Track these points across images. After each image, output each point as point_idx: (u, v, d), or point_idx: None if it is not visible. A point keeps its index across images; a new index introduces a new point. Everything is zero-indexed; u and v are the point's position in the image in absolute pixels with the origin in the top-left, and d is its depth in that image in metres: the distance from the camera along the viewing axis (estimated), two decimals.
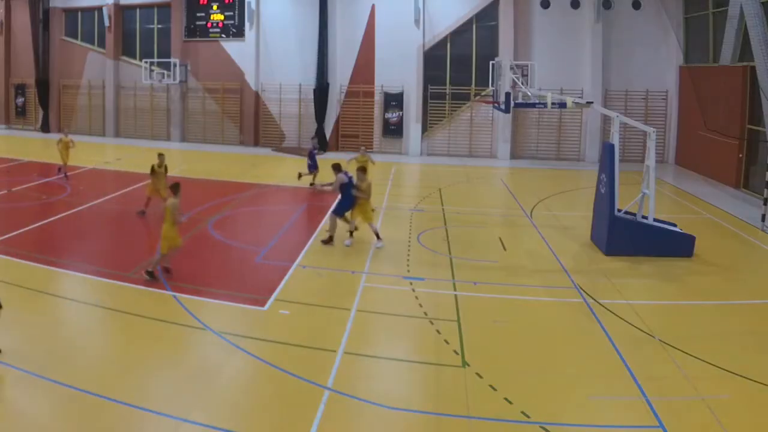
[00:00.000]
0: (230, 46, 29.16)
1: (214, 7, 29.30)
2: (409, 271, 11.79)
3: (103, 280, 10.81)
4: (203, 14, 29.49)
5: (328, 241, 13.24)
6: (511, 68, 15.99)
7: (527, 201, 18.15)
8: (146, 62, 29.08)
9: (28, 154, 24.72)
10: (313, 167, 19.38)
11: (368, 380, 7.80)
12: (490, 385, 7.54)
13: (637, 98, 25.57)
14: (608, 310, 10.01)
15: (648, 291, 11.17)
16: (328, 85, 27.69)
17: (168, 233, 10.68)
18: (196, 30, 29.65)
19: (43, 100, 31.69)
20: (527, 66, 20.84)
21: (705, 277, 11.96)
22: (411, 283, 11.06)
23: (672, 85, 25.20)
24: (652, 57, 25.23)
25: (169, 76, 28.90)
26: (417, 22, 26.63)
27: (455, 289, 10.87)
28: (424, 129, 27.41)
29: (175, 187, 10.94)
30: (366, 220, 13.37)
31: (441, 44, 27.02)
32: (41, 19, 31.15)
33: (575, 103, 15.36)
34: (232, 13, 29.09)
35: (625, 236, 12.93)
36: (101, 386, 7.22)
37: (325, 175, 16.81)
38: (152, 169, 15.14)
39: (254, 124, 29.08)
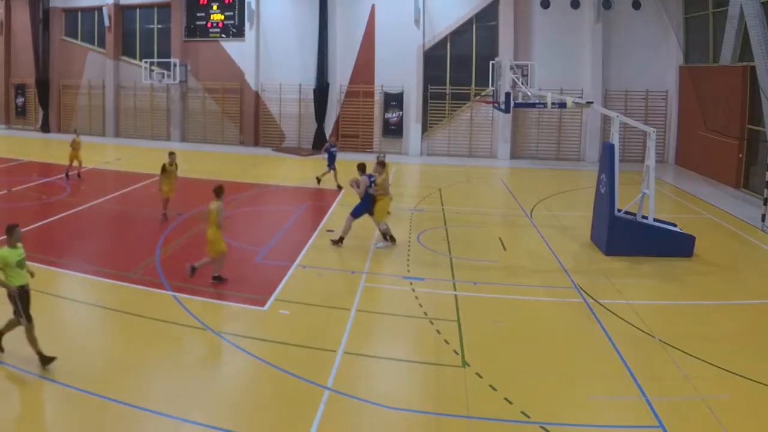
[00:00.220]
0: (230, 46, 29.16)
1: (214, 7, 29.30)
2: (409, 271, 11.79)
3: (103, 280, 10.82)
4: (203, 14, 29.50)
5: (338, 242, 13.15)
6: (511, 68, 16.00)
7: (527, 201, 18.15)
8: (146, 62, 29.08)
9: (28, 154, 24.74)
10: (331, 165, 19.31)
11: (368, 380, 7.80)
12: (490, 385, 7.54)
13: (637, 98, 25.57)
14: (608, 310, 10.01)
15: (648, 291, 11.17)
16: (328, 85, 27.69)
17: (214, 237, 10.66)
18: (196, 30, 29.65)
19: (43, 100, 31.69)
20: (527, 66, 20.86)
21: (705, 277, 11.97)
22: (411, 283, 11.06)
23: (672, 85, 25.20)
24: (652, 57, 25.23)
25: (169, 76, 28.90)
26: (417, 22, 26.64)
27: (455, 289, 10.87)
28: (424, 129, 27.42)
29: (219, 190, 10.91)
30: (379, 219, 13.25)
31: (441, 44, 27.02)
32: (41, 19, 31.14)
33: (575, 103, 15.36)
34: (232, 13, 29.09)
35: (625, 236, 12.93)
36: (101, 386, 7.23)
37: (346, 175, 16.80)
38: (163, 167, 15.04)
39: (254, 124, 29.08)
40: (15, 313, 7.62)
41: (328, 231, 14.48)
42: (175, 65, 28.87)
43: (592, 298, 10.51)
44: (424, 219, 15.68)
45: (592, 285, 11.22)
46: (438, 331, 9.09)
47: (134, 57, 30.55)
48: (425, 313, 9.77)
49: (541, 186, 20.71)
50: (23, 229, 13.79)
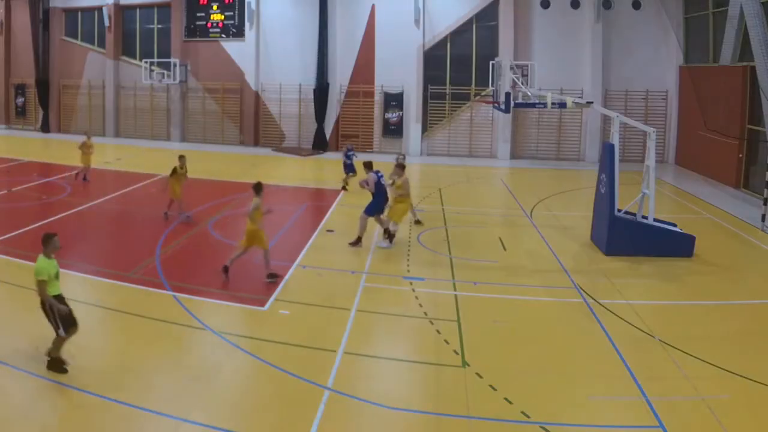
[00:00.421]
0: (230, 46, 29.16)
1: (214, 7, 29.30)
2: (409, 271, 11.79)
3: (103, 280, 10.81)
4: (203, 14, 29.49)
5: (356, 242, 13.13)
6: (511, 68, 16.00)
7: (527, 201, 18.15)
8: (146, 62, 29.08)
9: (28, 154, 24.74)
10: (349, 168, 18.98)
11: (368, 380, 7.80)
12: (490, 385, 7.54)
13: (637, 98, 25.57)
14: (608, 310, 10.01)
15: (648, 291, 11.17)
16: (328, 85, 27.69)
17: (255, 232, 10.83)
18: (196, 30, 29.65)
19: (43, 100, 31.69)
20: (527, 66, 20.86)
21: (705, 277, 11.97)
22: (411, 283, 11.06)
23: (672, 85, 25.20)
24: (652, 57, 25.23)
25: (169, 76, 28.90)
26: (417, 22, 26.63)
27: (455, 289, 10.87)
28: (424, 129, 27.42)
29: (258, 187, 11.11)
30: (393, 218, 13.20)
31: (441, 44, 27.02)
32: (41, 19, 31.14)
33: (575, 103, 15.36)
34: (232, 13, 29.09)
35: (625, 236, 12.92)
36: (101, 386, 7.23)
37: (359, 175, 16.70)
38: (174, 170, 15.00)
39: (254, 124, 29.08)
40: (51, 322, 7.48)
41: (328, 231, 14.50)
42: (175, 65, 28.87)
43: (592, 298, 10.51)
44: (424, 219, 15.66)
45: (592, 285, 11.22)
46: (438, 331, 9.09)
47: (134, 57, 30.55)
48: (425, 313, 9.77)
49: (541, 186, 20.71)
50: (23, 229, 13.83)
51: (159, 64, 29.00)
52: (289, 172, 23.47)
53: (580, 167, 24.74)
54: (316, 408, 6.97)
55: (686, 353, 8.43)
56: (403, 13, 26.69)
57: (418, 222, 14.87)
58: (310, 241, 13.57)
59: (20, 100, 32.70)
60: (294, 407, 7.06)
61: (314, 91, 27.69)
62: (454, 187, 20.31)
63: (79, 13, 31.71)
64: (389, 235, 13.28)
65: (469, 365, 8.07)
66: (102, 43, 30.98)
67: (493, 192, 20.54)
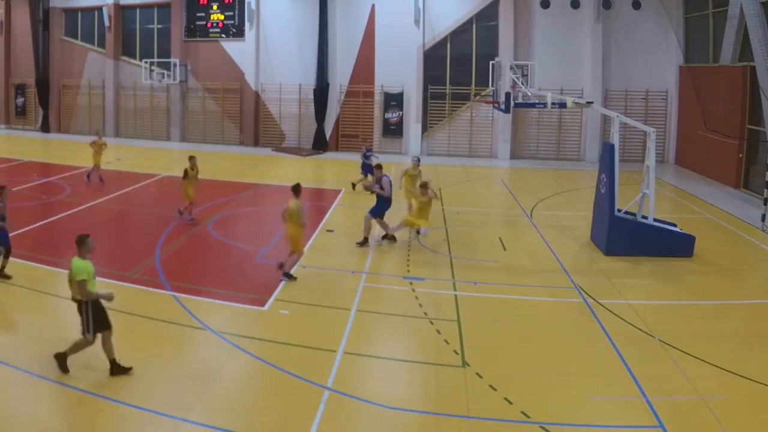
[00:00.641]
0: (230, 46, 29.16)
1: (214, 7, 29.31)
2: (409, 271, 11.79)
3: (103, 280, 10.74)
4: (203, 14, 29.50)
5: (363, 243, 13.14)
6: (511, 68, 15.97)
7: (527, 201, 18.15)
8: (146, 62, 29.07)
9: (28, 154, 24.73)
10: (367, 169, 18.43)
11: (368, 380, 7.81)
12: (490, 385, 7.54)
13: (637, 98, 25.56)
14: (608, 310, 10.01)
15: (648, 291, 11.17)
16: (328, 85, 27.69)
17: (296, 234, 10.93)
18: (196, 30, 29.65)
19: (43, 100, 31.69)
20: (527, 66, 20.80)
21: (705, 277, 11.97)
22: (411, 283, 11.06)
23: (672, 85, 25.20)
24: (652, 57, 25.22)
25: (169, 76, 28.90)
26: (417, 22, 26.64)
27: (455, 289, 10.88)
28: (424, 129, 27.42)
29: (297, 188, 11.14)
30: (412, 224, 13.14)
31: (441, 44, 27.02)
32: (41, 19, 31.14)
33: (575, 103, 15.35)
34: (232, 13, 29.09)
35: (625, 236, 12.93)
36: (101, 386, 7.23)
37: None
38: (185, 172, 14.85)
39: (254, 124, 29.08)
40: (83, 324, 7.48)
41: (328, 231, 14.50)
42: (175, 65, 28.87)
43: (592, 298, 10.51)
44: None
45: (592, 285, 11.22)
46: (438, 331, 9.09)
47: (134, 57, 30.55)
48: (425, 313, 9.77)
49: (541, 186, 20.71)
50: (23, 230, 13.83)
51: (159, 64, 29.00)
52: (289, 172, 23.45)
53: (580, 167, 24.74)
54: (316, 408, 6.97)
55: (686, 353, 8.44)
56: (403, 13, 26.69)
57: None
58: (310, 241, 13.57)
59: (20, 100, 32.70)
60: (294, 407, 7.06)
61: (314, 91, 27.69)
62: (454, 187, 20.31)
63: (79, 13, 31.72)
64: (388, 237, 13.29)
65: (469, 365, 8.07)
66: (102, 43, 30.98)
67: (493, 192, 20.54)
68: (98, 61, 31.11)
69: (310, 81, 27.82)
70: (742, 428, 6.75)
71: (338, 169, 24.14)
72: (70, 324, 9.35)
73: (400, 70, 26.93)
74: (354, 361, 8.19)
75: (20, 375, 7.45)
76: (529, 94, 15.99)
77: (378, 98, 27.57)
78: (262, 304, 9.96)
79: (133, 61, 30.52)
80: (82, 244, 7.64)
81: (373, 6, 27.30)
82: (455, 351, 8.46)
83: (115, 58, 30.70)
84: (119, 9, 30.55)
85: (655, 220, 13.16)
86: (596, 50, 25.33)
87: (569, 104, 14.75)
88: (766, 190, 15.20)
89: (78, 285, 7.40)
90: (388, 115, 27.43)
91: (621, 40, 25.33)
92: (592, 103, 15.99)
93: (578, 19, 25.52)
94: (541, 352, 8.62)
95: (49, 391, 7.18)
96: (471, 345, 8.64)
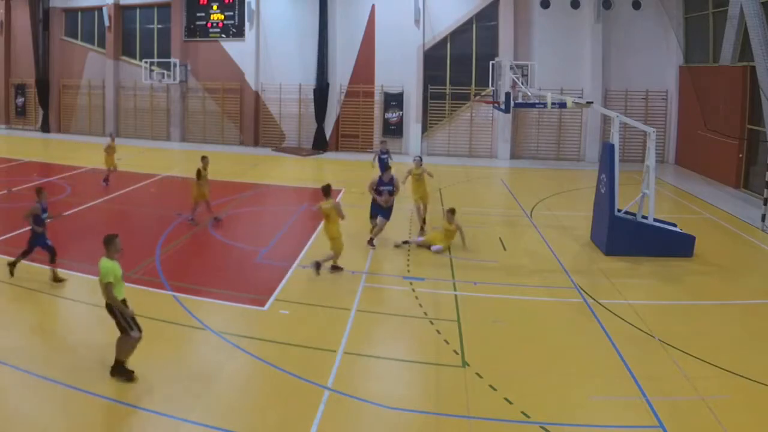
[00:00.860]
0: (230, 46, 29.16)
1: (214, 7, 29.31)
2: (409, 271, 11.79)
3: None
4: (203, 14, 29.50)
5: (371, 242, 13.17)
6: (511, 68, 15.98)
7: (527, 201, 18.15)
8: (146, 62, 29.08)
9: (28, 154, 24.73)
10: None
11: (368, 380, 7.81)
12: (490, 385, 7.54)
13: (637, 98, 25.56)
14: (608, 310, 10.01)
15: (648, 291, 11.17)
16: (328, 85, 27.69)
17: (336, 233, 11.19)
18: (196, 30, 29.65)
19: (43, 100, 31.69)
20: (527, 66, 20.82)
21: (705, 277, 11.97)
22: (411, 283, 11.06)
23: (672, 85, 25.20)
24: (652, 57, 25.22)
25: (169, 76, 28.90)
26: (417, 22, 26.63)
27: (455, 289, 10.88)
28: (424, 129, 27.41)
29: (327, 189, 11.36)
30: (433, 242, 13.19)
31: (441, 44, 27.02)
32: (41, 19, 31.15)
33: (575, 103, 15.35)
34: (232, 13, 29.09)
35: (625, 236, 12.92)
36: (102, 386, 7.23)
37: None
38: (198, 173, 14.68)
39: (254, 124, 29.08)
40: (119, 327, 7.45)
41: None
42: (175, 65, 28.87)
43: (592, 298, 10.51)
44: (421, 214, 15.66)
45: (592, 285, 11.23)
46: (438, 331, 9.09)
47: (134, 57, 30.55)
48: (425, 313, 9.77)
49: (541, 186, 20.71)
50: (23, 229, 13.83)
51: (159, 64, 29.00)
52: (289, 172, 23.48)
53: (580, 167, 24.74)
54: (316, 408, 6.97)
55: (686, 353, 8.44)
56: (403, 13, 26.69)
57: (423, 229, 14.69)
58: (310, 241, 13.57)
59: (20, 100, 32.70)
60: (294, 407, 7.06)
61: (314, 91, 27.69)
62: (454, 187, 20.31)
63: (79, 13, 31.72)
64: (372, 244, 13.20)
65: (469, 365, 8.07)
66: (102, 43, 30.98)
67: (493, 192, 20.54)
68: (98, 61, 31.11)
69: (310, 81, 27.82)
70: (742, 428, 6.75)
71: (338, 169, 24.15)
72: (70, 324, 9.38)
73: (400, 70, 26.92)
74: (354, 361, 8.19)
75: (20, 375, 7.45)
76: (529, 94, 15.99)
77: (378, 98, 27.57)
78: (262, 304, 9.96)
79: (133, 61, 30.52)
80: (110, 244, 7.57)
81: (373, 6, 27.30)
82: (455, 351, 8.46)
83: (115, 58, 30.71)
84: (119, 9, 30.55)
85: (655, 220, 13.16)
86: (596, 50, 25.32)
87: (569, 104, 14.75)
88: (766, 190, 15.20)
89: (105, 288, 7.37)
90: (388, 115, 27.43)
91: (621, 40, 25.33)
92: (592, 103, 15.99)
93: (578, 19, 25.52)
94: (541, 352, 8.62)
95: (49, 391, 7.17)
96: (471, 345, 8.65)
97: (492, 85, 19.70)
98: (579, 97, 23.69)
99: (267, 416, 6.92)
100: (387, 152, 18.63)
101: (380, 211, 13.15)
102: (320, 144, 27.91)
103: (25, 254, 10.76)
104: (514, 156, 26.56)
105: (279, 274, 11.33)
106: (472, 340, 8.80)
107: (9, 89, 32.88)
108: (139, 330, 7.48)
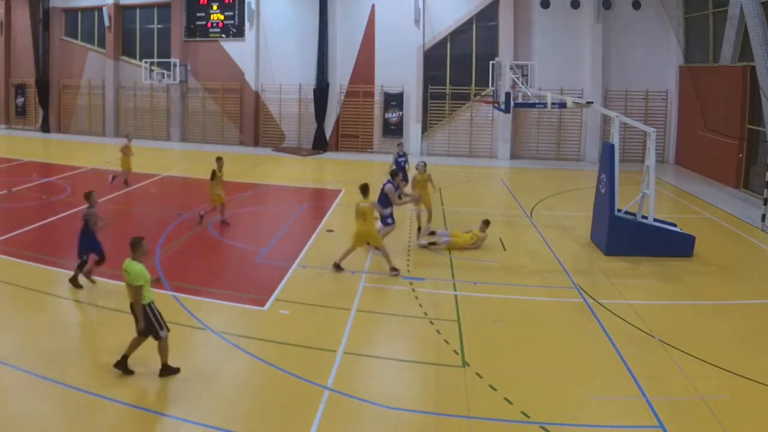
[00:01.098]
0: (230, 46, 29.16)
1: (214, 7, 29.30)
2: (409, 271, 11.79)
3: (103, 280, 10.78)
4: (203, 14, 29.49)
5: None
6: (511, 68, 15.98)
7: (527, 201, 18.15)
8: (146, 62, 29.08)
9: (28, 154, 24.73)
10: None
11: (368, 380, 7.81)
12: (490, 385, 7.54)
13: (637, 98, 25.56)
14: (608, 310, 10.01)
15: (648, 291, 11.17)
16: (328, 85, 27.69)
17: (366, 232, 11.37)
18: (196, 30, 29.65)
19: (43, 100, 31.69)
20: (527, 66, 20.82)
21: (705, 277, 11.97)
22: (411, 283, 11.07)
23: (672, 85, 25.20)
24: (652, 57, 25.22)
25: (169, 76, 28.90)
26: (417, 22, 26.63)
27: (455, 289, 10.88)
28: (424, 129, 27.41)
29: (366, 188, 11.48)
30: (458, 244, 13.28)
31: (441, 44, 27.01)
32: (41, 19, 31.14)
33: (575, 103, 15.35)
34: (232, 13, 29.09)
35: (625, 236, 12.92)
36: (101, 386, 7.23)
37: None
38: (213, 174, 14.44)
39: (254, 124, 29.08)
40: (140, 330, 7.50)
41: (328, 231, 14.50)
42: (175, 65, 28.87)
43: (592, 298, 10.51)
44: (424, 219, 15.65)
45: (592, 285, 11.23)
46: (438, 331, 9.09)
47: (134, 57, 30.55)
48: (425, 313, 9.77)
49: (541, 186, 20.71)
50: (22, 230, 13.82)
51: (159, 64, 29.00)
52: (289, 172, 23.48)
53: (580, 167, 24.74)
54: (316, 408, 6.97)
55: (686, 353, 8.44)
56: (403, 13, 26.69)
57: (432, 233, 14.53)
58: (310, 241, 13.57)
59: (20, 100, 32.70)
60: (294, 407, 7.06)
61: (314, 91, 27.68)
62: (454, 187, 20.30)
63: (79, 13, 31.71)
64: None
65: (469, 365, 8.07)
66: (102, 43, 30.98)
67: (493, 192, 20.54)
68: (98, 61, 31.11)
69: (310, 81, 27.82)
70: (742, 428, 6.75)
71: (338, 169, 24.17)
72: (70, 324, 9.38)
73: (400, 70, 26.92)
74: (354, 361, 8.19)
75: (21, 375, 7.45)
76: (529, 94, 15.99)
77: (378, 98, 27.57)
78: (262, 304, 9.96)
79: (133, 61, 30.52)
80: (137, 246, 7.61)
81: (373, 6, 27.30)
82: (455, 351, 8.46)
83: (115, 58, 30.70)
84: (119, 9, 30.54)
85: (655, 220, 13.16)
86: (596, 50, 25.32)
87: (569, 104, 14.75)
88: (766, 190, 15.20)
89: (134, 290, 7.39)
90: (388, 115, 27.43)
91: (621, 40, 25.33)
92: (592, 103, 15.99)
93: (578, 19, 25.52)
94: (541, 352, 8.62)
95: (50, 391, 7.17)
96: (471, 345, 8.64)
97: (492, 85, 19.70)
98: (579, 97, 23.69)
99: (267, 416, 6.92)
100: (404, 155, 17.87)
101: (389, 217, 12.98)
102: (320, 144, 27.91)
103: (99, 262, 10.41)
104: (514, 156, 26.56)
105: (279, 274, 11.33)
106: (472, 340, 8.80)
107: (9, 89, 32.87)
108: (167, 329, 7.61)
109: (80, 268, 10.32)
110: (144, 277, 7.42)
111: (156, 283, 8.00)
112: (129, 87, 30.73)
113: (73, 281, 10.28)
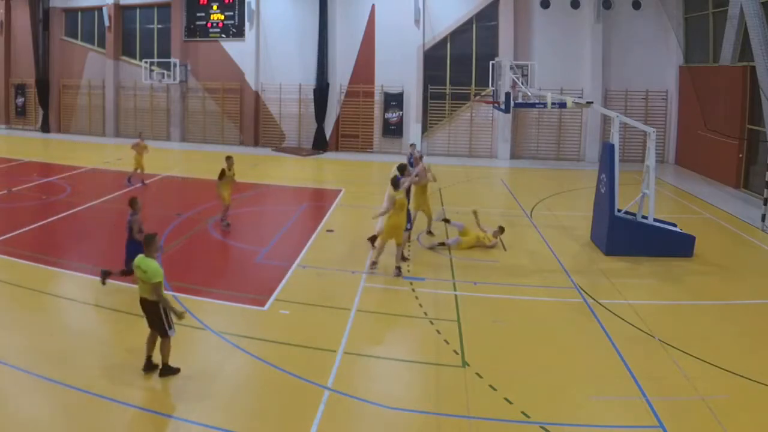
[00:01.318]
0: (230, 46, 29.16)
1: (214, 7, 29.31)
2: (409, 271, 11.79)
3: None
4: (203, 14, 29.50)
5: (374, 239, 13.04)
6: (511, 68, 15.96)
7: (527, 201, 18.15)
8: (146, 62, 29.08)
9: (28, 154, 24.73)
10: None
11: (368, 380, 7.80)
12: (490, 385, 7.54)
13: (637, 98, 25.56)
14: (608, 310, 10.01)
15: (648, 291, 11.17)
16: (328, 85, 27.69)
17: (396, 225, 11.35)
18: (196, 30, 29.65)
19: (43, 100, 31.70)
20: (527, 66, 20.82)
21: (705, 277, 11.97)
22: (411, 283, 11.06)
23: (672, 85, 25.20)
24: (652, 57, 25.22)
25: (169, 76, 28.91)
26: (417, 22, 26.63)
27: (455, 289, 10.87)
28: (424, 129, 27.41)
29: (396, 182, 11.43)
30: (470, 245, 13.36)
31: (441, 44, 27.01)
32: (41, 19, 31.15)
33: (575, 103, 15.34)
34: (232, 13, 29.10)
35: (625, 236, 12.92)
36: (101, 386, 7.23)
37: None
38: (222, 173, 14.31)
39: (254, 124, 29.08)
40: (154, 325, 7.52)
41: (328, 231, 14.50)
42: (175, 65, 28.88)
43: (592, 298, 10.51)
44: (424, 219, 15.65)
45: (592, 285, 11.22)
46: (438, 331, 9.09)
47: (134, 57, 30.56)
48: (425, 313, 9.77)
49: (541, 186, 20.71)
50: (22, 230, 13.83)
51: (159, 64, 29.00)
52: (289, 172, 23.48)
53: (580, 167, 24.74)
54: (316, 408, 6.97)
55: (686, 353, 8.44)
56: (403, 13, 26.69)
57: (430, 233, 14.52)
58: (310, 241, 13.57)
59: (20, 100, 32.71)
60: (294, 407, 7.06)
61: (314, 91, 27.69)
62: (454, 187, 20.30)
63: (79, 13, 31.72)
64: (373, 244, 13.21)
65: (469, 365, 8.07)
66: (102, 43, 30.99)
67: (493, 192, 20.54)
68: (98, 61, 31.11)
69: (310, 81, 27.82)
70: (742, 428, 6.75)
71: (338, 169, 24.17)
72: (70, 324, 9.37)
73: (400, 70, 26.92)
74: (354, 361, 8.19)
75: (21, 375, 7.45)
76: (529, 94, 15.98)
77: (378, 98, 27.57)
78: (262, 304, 9.96)
79: (133, 61, 30.52)
80: (151, 243, 7.63)
81: (373, 6, 27.30)
82: (455, 351, 8.46)
83: (115, 58, 30.70)
84: (119, 9, 30.55)
85: (655, 220, 13.16)
86: (596, 50, 25.32)
87: (569, 104, 14.74)
88: (766, 190, 15.20)
89: (154, 287, 7.42)
90: (388, 115, 27.43)
91: (621, 40, 25.33)
92: (592, 103, 15.99)
93: (578, 19, 25.52)
94: (541, 352, 8.62)
95: (50, 391, 7.17)
96: (471, 345, 8.64)
97: (492, 85, 19.69)
98: (579, 97, 23.69)
99: (267, 416, 6.92)
100: (419, 155, 17.97)
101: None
102: (320, 144, 27.91)
103: (125, 273, 10.12)
104: (514, 156, 26.56)
105: (279, 274, 11.33)
106: (472, 340, 8.80)
107: (9, 89, 32.88)
108: (174, 330, 7.62)
109: (123, 274, 10.07)
110: (161, 273, 7.48)
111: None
112: (129, 87, 30.74)
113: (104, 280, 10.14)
